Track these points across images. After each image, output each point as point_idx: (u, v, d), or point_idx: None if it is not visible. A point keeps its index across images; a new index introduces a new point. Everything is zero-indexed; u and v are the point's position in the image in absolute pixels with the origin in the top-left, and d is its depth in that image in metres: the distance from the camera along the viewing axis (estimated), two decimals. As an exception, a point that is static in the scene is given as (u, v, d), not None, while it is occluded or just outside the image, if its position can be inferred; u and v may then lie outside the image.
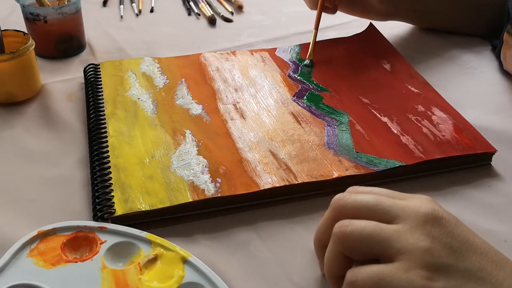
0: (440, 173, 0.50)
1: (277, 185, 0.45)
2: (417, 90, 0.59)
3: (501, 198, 0.47)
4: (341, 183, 0.47)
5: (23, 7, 0.63)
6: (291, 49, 0.68)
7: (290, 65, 0.64)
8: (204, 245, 0.41)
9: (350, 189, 0.37)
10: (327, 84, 0.61)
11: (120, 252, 0.39)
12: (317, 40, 0.71)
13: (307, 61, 0.64)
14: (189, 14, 0.81)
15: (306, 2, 0.69)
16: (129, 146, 0.49)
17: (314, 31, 0.66)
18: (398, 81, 0.61)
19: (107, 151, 0.48)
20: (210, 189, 0.44)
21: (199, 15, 0.81)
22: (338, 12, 0.83)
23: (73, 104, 0.58)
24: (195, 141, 0.50)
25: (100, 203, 0.43)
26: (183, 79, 0.60)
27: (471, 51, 0.71)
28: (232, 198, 0.44)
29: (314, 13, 0.83)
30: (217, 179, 0.46)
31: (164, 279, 0.37)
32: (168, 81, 0.60)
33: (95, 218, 0.42)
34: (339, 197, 0.36)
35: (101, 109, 0.54)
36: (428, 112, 0.56)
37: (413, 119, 0.54)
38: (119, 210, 0.42)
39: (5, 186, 0.46)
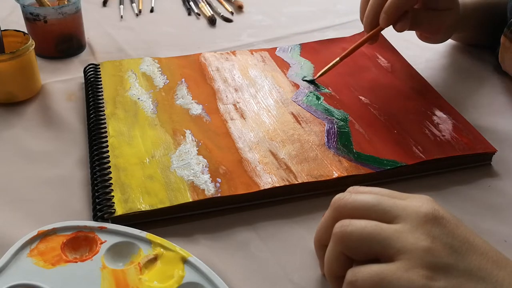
0: (440, 173, 0.50)
1: (277, 185, 0.45)
2: (417, 90, 0.59)
3: (501, 198, 0.47)
4: (341, 183, 0.47)
5: (23, 7, 0.63)
6: (291, 48, 0.68)
7: (291, 65, 0.64)
8: (204, 245, 0.41)
9: (350, 189, 0.37)
10: (327, 84, 0.61)
11: (120, 252, 0.39)
12: (316, 40, 0.71)
13: (311, 78, 0.61)
14: (189, 14, 0.81)
15: (364, 20, 0.59)
16: (129, 146, 0.49)
17: (338, 59, 0.60)
18: (398, 81, 0.61)
19: (107, 151, 0.48)
20: (210, 189, 0.44)
21: (199, 15, 0.81)
22: (338, 11, 0.84)
23: (73, 104, 0.58)
24: (195, 141, 0.50)
25: (100, 203, 0.43)
26: (183, 79, 0.60)
27: (471, 51, 0.71)
28: (232, 198, 0.44)
29: (313, 13, 0.83)
30: (217, 179, 0.46)
31: (164, 279, 0.37)
32: (168, 81, 0.60)
33: (95, 218, 0.42)
34: (339, 197, 0.36)
35: (101, 109, 0.54)
36: (428, 112, 0.56)
37: (413, 119, 0.54)
38: (119, 210, 0.42)
39: (5, 186, 0.46)
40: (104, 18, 0.78)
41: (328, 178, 0.46)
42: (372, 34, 0.58)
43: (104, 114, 0.53)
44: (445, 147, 0.50)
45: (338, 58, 0.60)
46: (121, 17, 0.79)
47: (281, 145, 0.50)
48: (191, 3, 0.83)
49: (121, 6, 0.81)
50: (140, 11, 0.81)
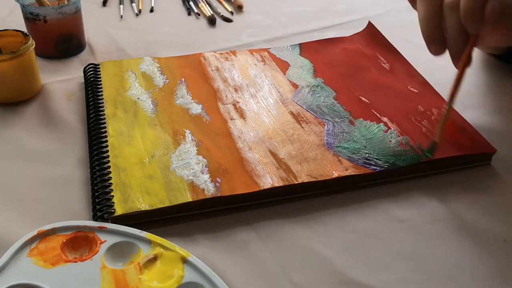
0: (440, 173, 0.50)
1: (277, 185, 0.45)
2: (416, 90, 0.59)
3: (501, 198, 0.47)
4: (341, 183, 0.47)
5: (23, 7, 0.63)
6: (291, 48, 0.68)
7: (290, 65, 0.64)
8: (204, 245, 0.41)
9: None
10: (327, 84, 0.60)
11: (120, 252, 0.39)
12: (316, 39, 0.71)
13: (432, 145, 0.49)
14: (189, 14, 0.81)
15: (450, 45, 0.47)
16: (129, 146, 0.49)
17: (448, 104, 0.48)
18: (398, 81, 0.61)
19: (107, 151, 0.48)
20: (210, 189, 0.44)
21: (199, 15, 0.81)
22: (337, 11, 0.84)
23: (73, 104, 0.58)
24: (195, 140, 0.50)
25: (100, 203, 0.43)
26: (183, 79, 0.60)
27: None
28: (232, 198, 0.44)
29: (313, 12, 0.83)
30: (217, 178, 0.46)
31: (164, 279, 0.37)
32: (168, 81, 0.60)
33: (95, 218, 0.42)
34: None
35: (101, 109, 0.54)
36: (428, 112, 0.55)
37: (412, 119, 0.54)
38: (119, 210, 0.42)
39: (5, 186, 0.46)
40: (104, 18, 0.78)
41: (327, 178, 0.46)
42: (468, 55, 0.46)
43: (104, 114, 0.53)
44: (445, 147, 0.50)
45: (447, 106, 0.49)
46: (121, 17, 0.79)
47: (281, 145, 0.50)
48: (191, 3, 0.83)
49: (121, 6, 0.81)
50: (140, 11, 0.81)
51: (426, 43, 0.48)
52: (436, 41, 0.47)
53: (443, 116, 0.49)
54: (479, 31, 0.44)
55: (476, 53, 0.70)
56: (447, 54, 0.66)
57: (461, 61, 0.46)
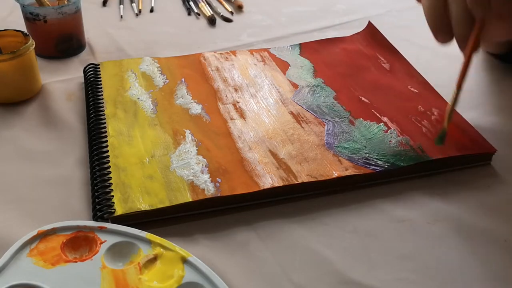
0: (440, 173, 0.50)
1: (277, 185, 0.45)
2: (416, 90, 0.59)
3: (501, 198, 0.47)
4: (341, 183, 0.47)
5: (23, 7, 0.63)
6: (291, 48, 0.68)
7: (290, 65, 0.64)
8: (204, 245, 0.41)
9: None
10: (327, 84, 0.61)
11: (120, 252, 0.39)
12: (316, 39, 0.71)
13: (441, 133, 0.49)
14: (189, 14, 0.81)
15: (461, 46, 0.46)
16: (129, 146, 0.49)
17: (455, 90, 0.47)
18: (398, 81, 0.61)
19: (107, 151, 0.48)
20: (210, 189, 0.44)
21: (199, 15, 0.81)
22: (337, 11, 0.84)
23: (73, 104, 0.58)
24: (195, 140, 0.50)
25: (100, 203, 0.43)
26: (183, 79, 0.60)
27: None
28: (232, 198, 0.44)
29: (313, 12, 0.83)
30: (217, 178, 0.46)
31: (164, 279, 0.37)
32: (168, 81, 0.60)
33: (95, 218, 0.42)
34: None
35: (101, 109, 0.54)
36: (428, 112, 0.56)
37: (413, 119, 0.54)
38: (119, 210, 0.42)
39: (5, 186, 0.46)
40: (104, 18, 0.78)
41: (327, 178, 0.46)
42: (475, 40, 0.45)
43: (104, 114, 0.53)
44: (445, 147, 0.50)
45: (455, 92, 0.47)
46: (121, 17, 0.79)
47: (281, 145, 0.50)
48: (191, 3, 0.83)
49: (121, 6, 0.81)
50: (140, 11, 0.81)
51: (433, 33, 0.47)
52: (442, 29, 0.46)
53: (451, 101, 0.47)
54: (486, 15, 0.43)
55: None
56: (445, 55, 0.65)
57: (468, 46, 0.45)
